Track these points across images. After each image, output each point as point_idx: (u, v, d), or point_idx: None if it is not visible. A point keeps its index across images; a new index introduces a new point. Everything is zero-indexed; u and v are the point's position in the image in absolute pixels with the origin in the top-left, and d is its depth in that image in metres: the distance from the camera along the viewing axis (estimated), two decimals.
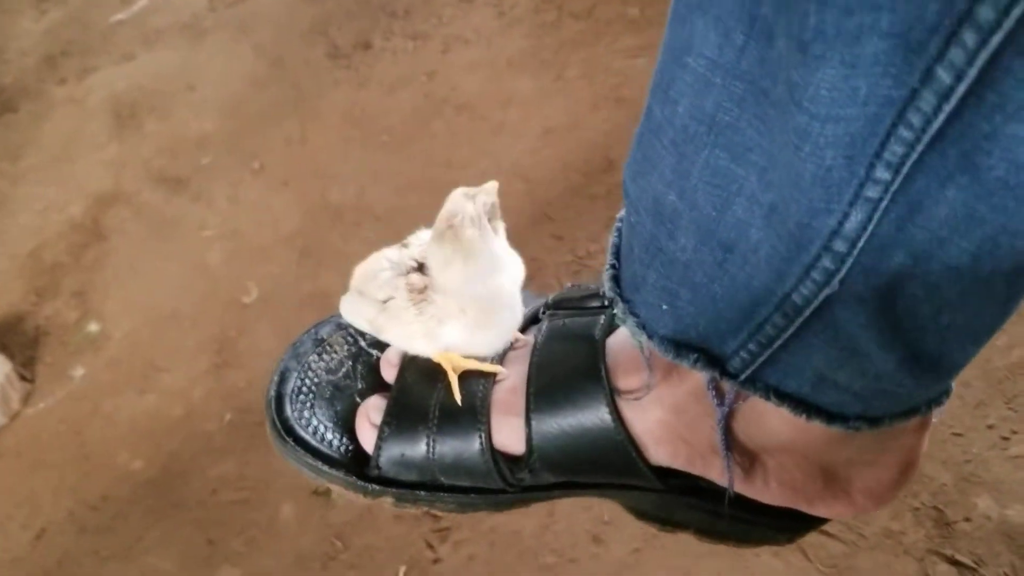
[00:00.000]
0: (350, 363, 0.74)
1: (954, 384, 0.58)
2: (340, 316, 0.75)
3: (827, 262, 0.47)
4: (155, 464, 1.17)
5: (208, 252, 1.37)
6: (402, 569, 1.02)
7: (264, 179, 1.45)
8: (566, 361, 0.66)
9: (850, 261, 0.46)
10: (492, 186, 0.64)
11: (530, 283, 1.28)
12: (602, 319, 0.67)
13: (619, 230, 0.62)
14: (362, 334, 0.74)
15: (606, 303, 0.68)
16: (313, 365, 0.73)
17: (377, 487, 0.68)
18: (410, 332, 0.67)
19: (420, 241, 0.67)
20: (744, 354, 0.55)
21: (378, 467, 0.68)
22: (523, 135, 1.38)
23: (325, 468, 0.69)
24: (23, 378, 1.27)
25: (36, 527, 1.16)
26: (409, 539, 1.04)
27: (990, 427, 1.02)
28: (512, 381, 0.67)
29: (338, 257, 1.30)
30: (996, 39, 0.37)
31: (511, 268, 0.66)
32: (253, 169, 1.46)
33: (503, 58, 1.50)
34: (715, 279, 0.54)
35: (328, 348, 0.74)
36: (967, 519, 0.96)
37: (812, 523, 0.66)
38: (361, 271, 0.69)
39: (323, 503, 1.08)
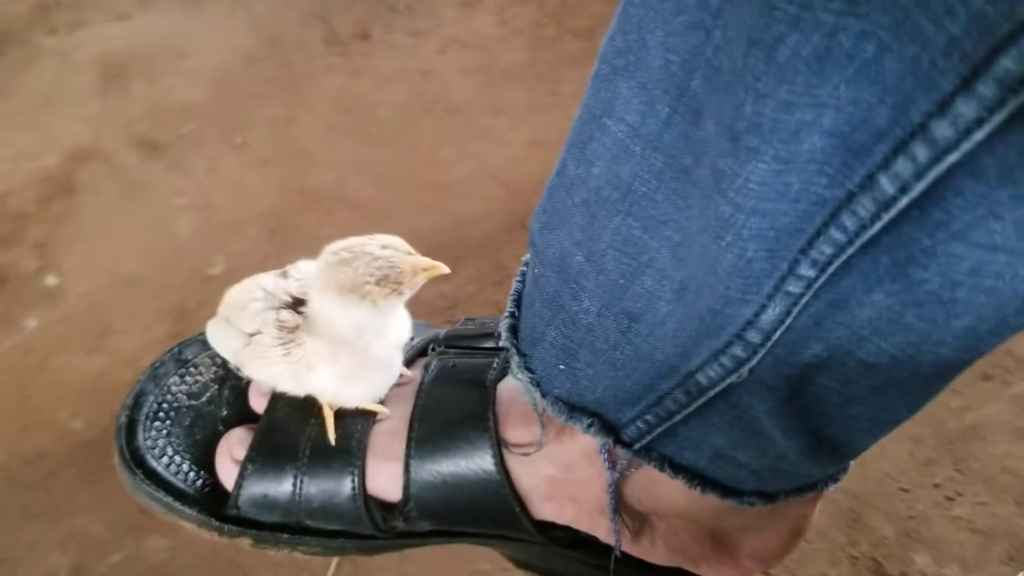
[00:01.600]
0: (215, 387, 0.67)
1: (852, 464, 0.57)
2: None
3: (738, 350, 0.44)
4: (96, 426, 1.14)
5: (178, 221, 1.35)
6: (335, 561, 1.01)
7: (244, 155, 1.43)
8: (453, 406, 0.62)
9: (763, 352, 0.44)
10: (440, 271, 0.58)
11: (498, 290, 1.28)
12: (495, 363, 0.64)
13: (523, 275, 0.59)
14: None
15: (500, 345, 0.64)
16: (173, 388, 0.66)
17: (235, 528, 0.63)
18: (275, 373, 0.61)
19: (300, 273, 0.62)
20: (641, 424, 0.53)
21: (237, 507, 0.63)
22: (510, 144, 1.39)
23: (177, 505, 0.63)
24: None
25: None
26: None
27: (936, 486, 1.03)
28: (393, 423, 0.63)
29: (308, 241, 1.27)
30: (951, 158, 0.33)
31: (396, 331, 0.61)
32: (234, 144, 1.44)
33: (499, 66, 1.50)
34: (617, 347, 0.51)
35: (192, 370, 0.67)
36: (903, 574, 0.96)
37: None
38: (231, 297, 0.63)
39: None
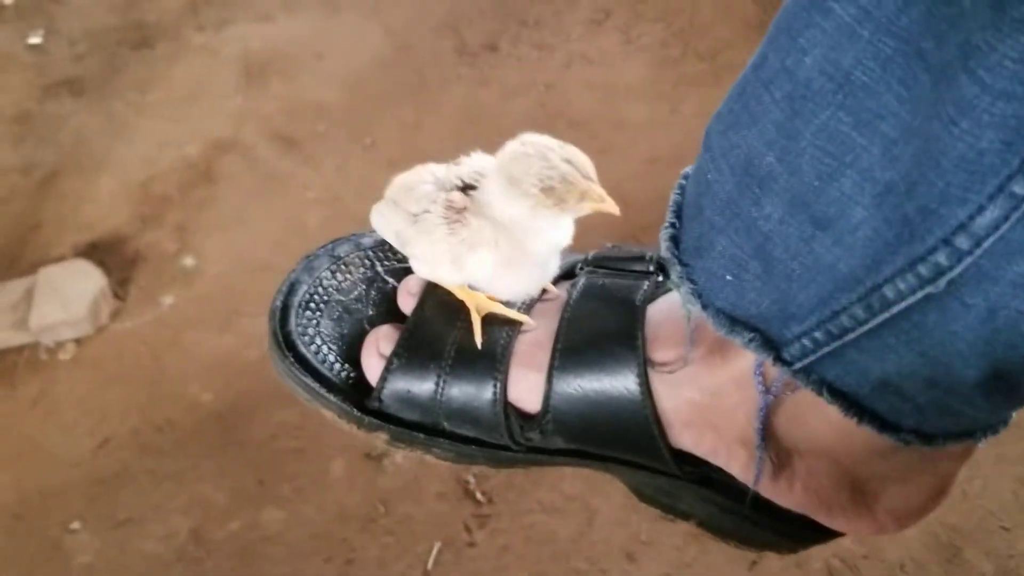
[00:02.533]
0: (363, 287, 0.69)
1: (1014, 415, 0.54)
2: (360, 236, 0.71)
3: (941, 257, 0.42)
4: (223, 400, 1.22)
5: (308, 213, 1.42)
6: (437, 545, 1.05)
7: (373, 155, 1.50)
8: (600, 322, 0.61)
9: (968, 261, 0.41)
10: (608, 209, 0.58)
11: None
12: (645, 284, 0.63)
13: (682, 188, 0.58)
14: (380, 258, 0.70)
15: (651, 269, 0.64)
16: (325, 281, 0.68)
17: (375, 420, 0.64)
18: (436, 252, 0.61)
19: (473, 162, 0.63)
20: (807, 341, 0.50)
21: (380, 400, 0.64)
22: (629, 159, 1.42)
23: (323, 391, 0.64)
24: (115, 295, 1.33)
25: (100, 437, 1.21)
26: (449, 518, 1.07)
27: None
28: (538, 335, 0.63)
29: None
30: None
31: (555, 233, 0.61)
32: (364, 144, 1.51)
33: (622, 83, 1.53)
34: (796, 256, 0.48)
35: (343, 267, 0.69)
36: None
37: (822, 535, 0.62)
38: (401, 181, 0.65)
39: (373, 467, 1.12)
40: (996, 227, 0.40)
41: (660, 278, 0.63)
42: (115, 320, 1.32)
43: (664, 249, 0.57)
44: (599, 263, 0.66)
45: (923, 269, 0.43)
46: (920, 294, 0.43)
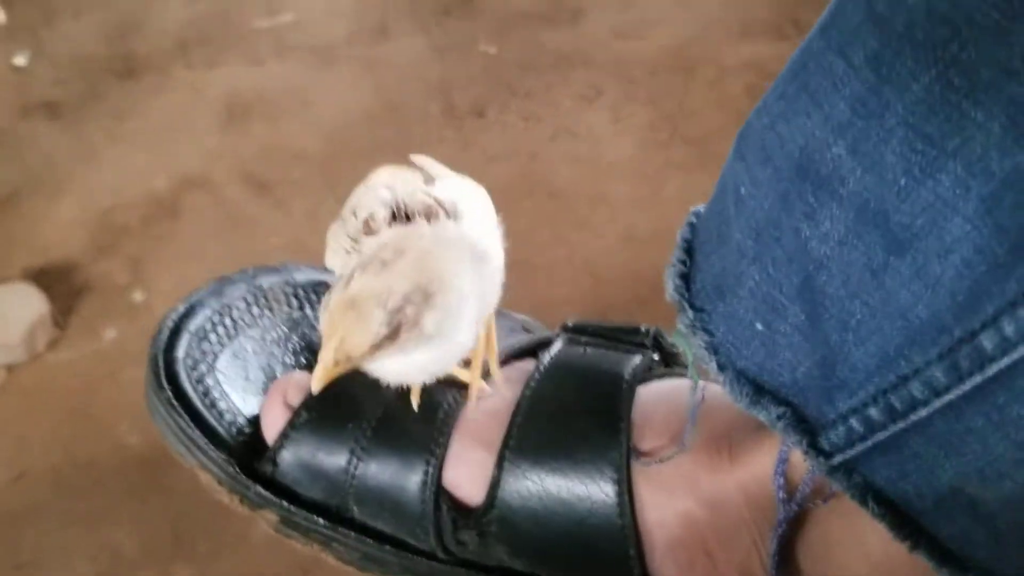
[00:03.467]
0: (285, 329, 0.57)
1: None
2: (293, 268, 0.59)
3: None
4: (149, 444, 1.15)
5: (270, 258, 1.35)
6: None
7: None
8: (577, 399, 0.49)
9: None
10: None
11: None
12: (638, 359, 0.51)
13: (692, 226, 0.47)
14: (313, 301, 0.58)
15: (646, 343, 0.52)
16: (236, 312, 0.56)
17: (262, 493, 0.52)
18: (332, 265, 0.50)
19: (446, 189, 0.50)
20: (855, 423, 0.36)
21: (275, 462, 0.52)
22: (605, 236, 1.39)
23: (201, 442, 0.53)
24: (56, 324, 1.28)
25: (17, 469, 1.14)
26: None
27: None
28: (495, 403, 0.51)
29: None
30: None
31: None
32: (338, 195, 1.47)
33: (606, 160, 1.51)
34: (858, 292, 0.35)
35: (264, 300, 0.58)
36: None
37: None
38: (377, 174, 0.52)
39: None
40: None
41: (657, 356, 0.53)
42: (51, 349, 1.26)
43: (671, 290, 0.46)
44: (582, 330, 0.56)
45: None
46: None
